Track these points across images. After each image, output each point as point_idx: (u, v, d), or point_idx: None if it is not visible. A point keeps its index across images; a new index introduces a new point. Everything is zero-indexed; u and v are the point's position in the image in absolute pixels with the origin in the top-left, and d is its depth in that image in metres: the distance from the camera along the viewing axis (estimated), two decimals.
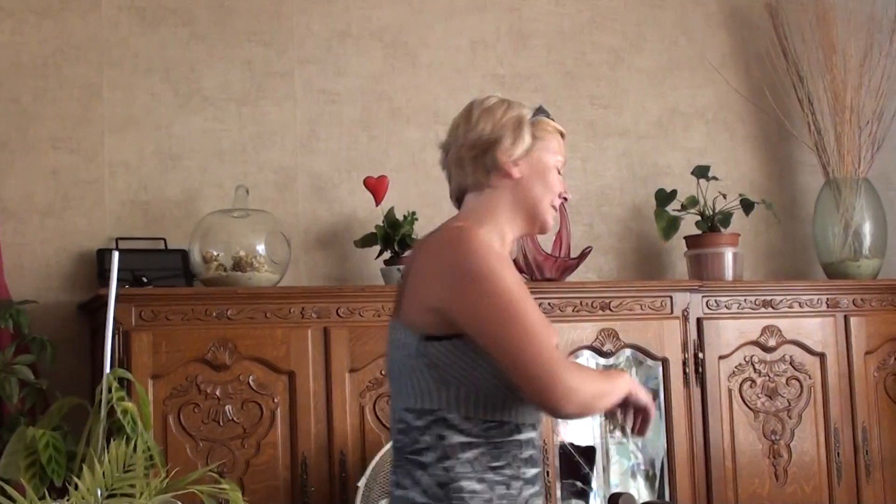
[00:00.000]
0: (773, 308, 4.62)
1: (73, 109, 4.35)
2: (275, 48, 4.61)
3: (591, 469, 4.47)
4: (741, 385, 4.53)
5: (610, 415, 3.12)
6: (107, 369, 2.33)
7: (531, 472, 2.45)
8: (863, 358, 4.68)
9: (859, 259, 4.93)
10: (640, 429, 2.54)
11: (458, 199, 2.59)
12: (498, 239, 2.50)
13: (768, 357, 4.58)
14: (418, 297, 2.42)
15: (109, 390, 2.55)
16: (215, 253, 4.22)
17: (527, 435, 2.44)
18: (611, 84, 5.02)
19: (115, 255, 2.19)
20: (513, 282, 2.36)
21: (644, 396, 2.51)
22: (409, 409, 2.41)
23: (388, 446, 3.86)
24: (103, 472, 1.40)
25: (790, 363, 4.60)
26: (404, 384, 2.42)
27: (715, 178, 4.84)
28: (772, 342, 4.58)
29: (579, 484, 4.45)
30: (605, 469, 4.50)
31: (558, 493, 4.28)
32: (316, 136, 4.57)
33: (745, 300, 4.59)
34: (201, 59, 4.51)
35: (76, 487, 1.73)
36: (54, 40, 4.35)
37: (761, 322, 4.58)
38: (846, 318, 4.69)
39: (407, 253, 4.26)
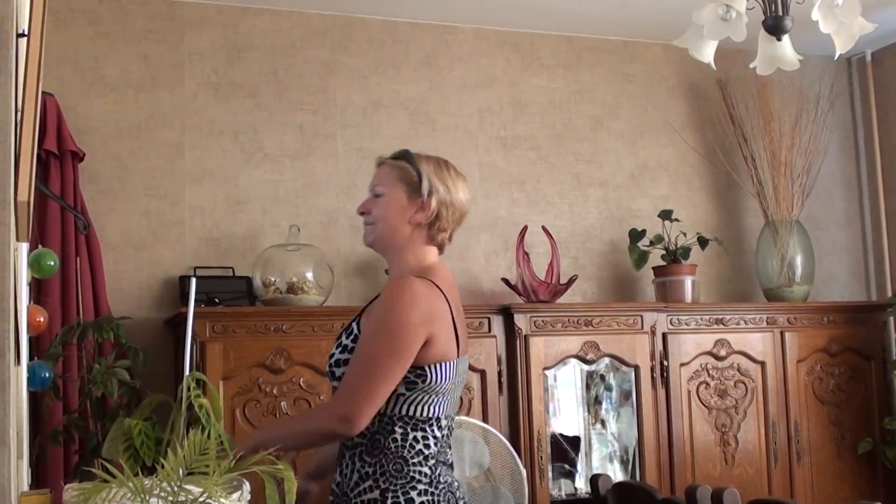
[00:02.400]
0: (723, 325, 4.62)
1: (161, 164, 4.37)
2: (321, 115, 4.62)
3: (577, 454, 4.46)
4: (698, 387, 4.53)
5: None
6: (186, 372, 2.35)
7: None
8: (795, 365, 4.69)
9: (792, 285, 4.94)
10: None
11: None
12: None
13: (720, 364, 4.58)
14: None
15: (188, 389, 2.58)
16: (273, 279, 4.23)
17: None
18: (592, 144, 5.03)
19: (193, 280, 2.22)
20: None
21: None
22: None
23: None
24: (184, 455, 1.43)
25: (737, 369, 4.60)
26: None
27: (677, 220, 4.88)
28: (723, 352, 4.58)
29: (567, 466, 4.43)
30: (588, 455, 4.48)
31: (550, 473, 4.26)
32: (354, 186, 4.56)
33: (701, 318, 4.59)
34: (263, 123, 4.53)
35: (163, 466, 1.75)
36: (147, 109, 4.37)
37: (714, 336, 4.58)
38: (782, 333, 4.69)
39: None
